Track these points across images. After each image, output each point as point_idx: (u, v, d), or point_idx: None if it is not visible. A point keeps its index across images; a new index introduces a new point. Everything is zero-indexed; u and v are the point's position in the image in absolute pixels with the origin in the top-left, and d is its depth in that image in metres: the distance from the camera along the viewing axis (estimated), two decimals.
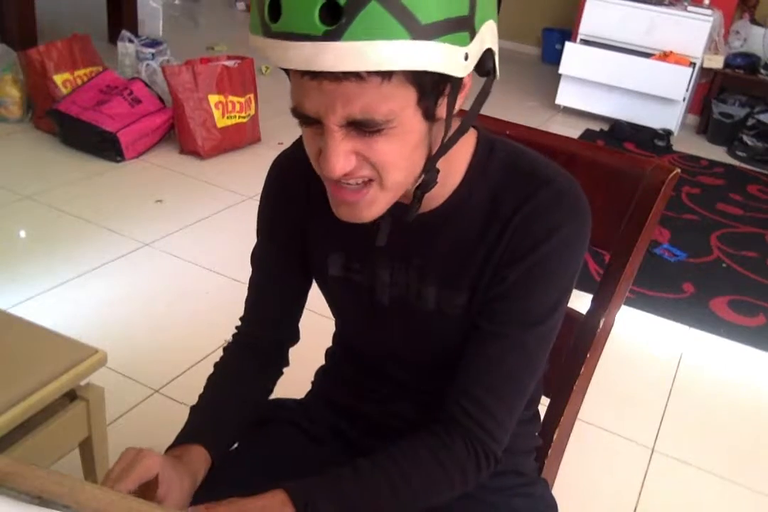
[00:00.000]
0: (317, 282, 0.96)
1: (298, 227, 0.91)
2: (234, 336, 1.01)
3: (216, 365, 1.00)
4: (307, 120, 0.68)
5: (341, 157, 0.68)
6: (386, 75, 0.63)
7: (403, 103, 0.66)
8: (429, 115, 0.70)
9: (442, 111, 0.71)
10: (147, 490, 0.77)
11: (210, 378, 0.99)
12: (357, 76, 0.62)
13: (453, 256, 0.83)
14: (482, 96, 0.74)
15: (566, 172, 0.82)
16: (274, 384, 1.02)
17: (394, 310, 0.88)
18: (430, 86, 0.67)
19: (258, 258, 0.97)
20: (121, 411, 1.78)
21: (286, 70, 0.69)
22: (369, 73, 0.62)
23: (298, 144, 0.91)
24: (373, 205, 0.73)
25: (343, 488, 0.78)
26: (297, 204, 0.90)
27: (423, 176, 0.75)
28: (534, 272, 0.80)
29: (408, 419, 0.94)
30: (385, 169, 0.70)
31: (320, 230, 0.89)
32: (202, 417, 0.93)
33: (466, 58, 0.65)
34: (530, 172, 0.81)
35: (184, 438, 0.88)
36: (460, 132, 0.75)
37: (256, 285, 0.98)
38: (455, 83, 0.69)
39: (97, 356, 1.23)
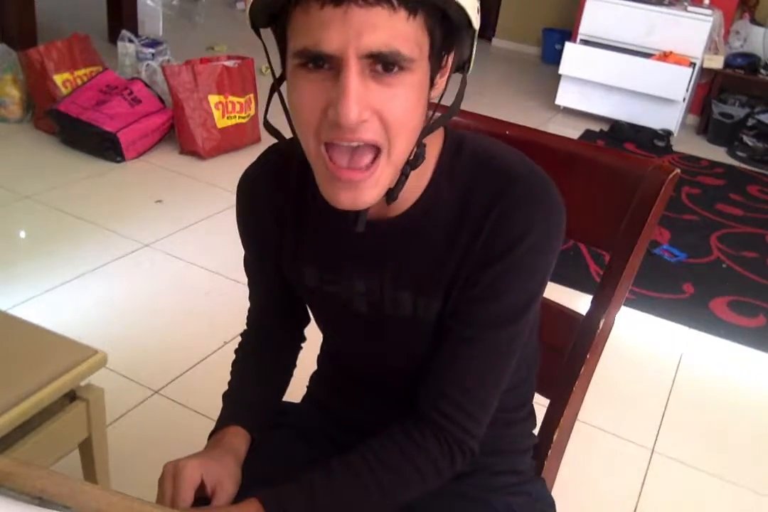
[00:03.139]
0: (296, 292, 0.95)
1: (272, 243, 0.90)
2: (246, 322, 1.04)
3: (236, 350, 1.04)
4: (317, 61, 0.65)
5: (360, 97, 0.64)
6: (413, 11, 0.63)
7: (421, 49, 0.66)
8: (432, 78, 0.70)
9: (439, 83, 0.72)
10: (197, 491, 0.82)
11: (233, 363, 1.02)
12: (389, 3, 0.62)
13: (425, 261, 0.82)
14: (463, 86, 0.74)
15: (538, 168, 0.80)
16: (295, 358, 1.05)
17: (372, 318, 0.87)
18: (439, 42, 0.68)
19: (246, 265, 0.99)
20: (121, 412, 1.78)
21: (280, 16, 0.67)
22: (399, 3, 0.62)
23: (263, 157, 0.90)
24: (376, 185, 0.70)
25: (315, 494, 0.79)
26: (267, 221, 0.89)
27: (414, 150, 0.74)
28: (507, 274, 0.78)
29: None
30: (395, 128, 0.68)
31: (292, 244, 0.89)
32: (232, 401, 0.97)
33: (478, 11, 0.68)
34: (500, 169, 0.78)
35: (221, 423, 0.93)
36: (450, 114, 0.74)
37: (250, 284, 1.01)
38: (457, 52, 0.71)
39: (97, 357, 1.23)
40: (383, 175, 0.71)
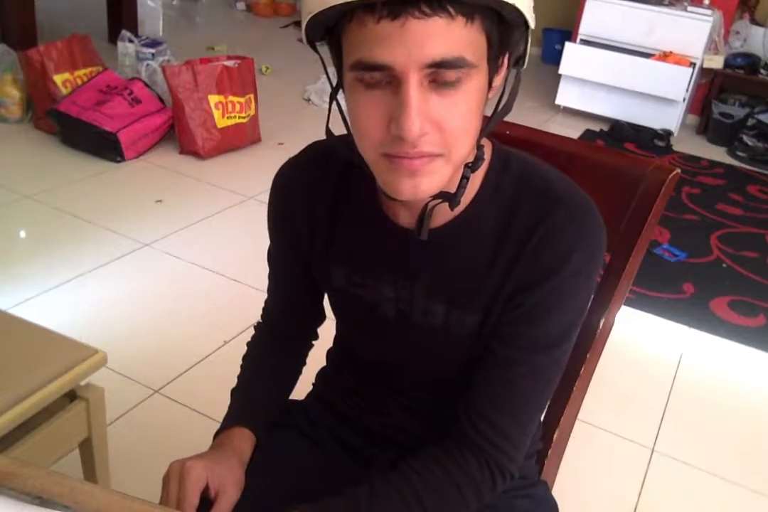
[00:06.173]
0: (322, 289, 0.96)
1: (303, 239, 0.90)
2: (261, 316, 1.05)
3: (248, 344, 1.04)
4: (374, 72, 0.65)
5: (421, 110, 0.64)
6: (470, 16, 0.63)
7: (481, 52, 0.66)
8: (490, 80, 0.70)
9: (497, 82, 0.72)
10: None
11: (244, 358, 1.03)
12: (447, 12, 0.61)
13: (464, 275, 0.81)
14: (517, 83, 0.74)
15: (581, 190, 0.80)
16: (305, 356, 1.06)
17: (399, 325, 0.87)
18: (496, 44, 0.68)
19: (270, 257, 0.99)
20: (121, 412, 1.78)
21: (335, 30, 0.67)
22: (457, 11, 0.62)
23: (305, 153, 0.90)
24: (434, 175, 0.69)
25: None
26: (300, 217, 0.89)
27: (475, 153, 0.74)
28: (550, 297, 0.78)
29: (409, 431, 0.94)
30: (455, 137, 0.68)
31: (324, 242, 0.88)
32: (240, 399, 0.98)
33: (533, 11, 0.68)
34: (544, 190, 0.79)
35: (227, 421, 0.93)
36: (504, 112, 0.74)
37: (271, 277, 1.01)
38: (512, 51, 0.71)
39: (97, 356, 1.23)
40: (440, 169, 0.70)
